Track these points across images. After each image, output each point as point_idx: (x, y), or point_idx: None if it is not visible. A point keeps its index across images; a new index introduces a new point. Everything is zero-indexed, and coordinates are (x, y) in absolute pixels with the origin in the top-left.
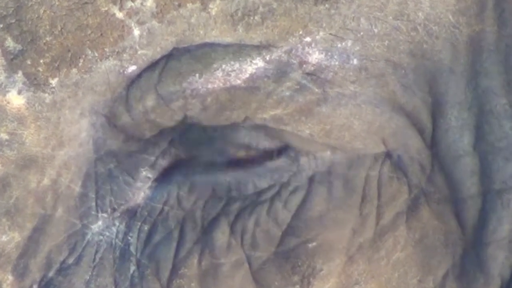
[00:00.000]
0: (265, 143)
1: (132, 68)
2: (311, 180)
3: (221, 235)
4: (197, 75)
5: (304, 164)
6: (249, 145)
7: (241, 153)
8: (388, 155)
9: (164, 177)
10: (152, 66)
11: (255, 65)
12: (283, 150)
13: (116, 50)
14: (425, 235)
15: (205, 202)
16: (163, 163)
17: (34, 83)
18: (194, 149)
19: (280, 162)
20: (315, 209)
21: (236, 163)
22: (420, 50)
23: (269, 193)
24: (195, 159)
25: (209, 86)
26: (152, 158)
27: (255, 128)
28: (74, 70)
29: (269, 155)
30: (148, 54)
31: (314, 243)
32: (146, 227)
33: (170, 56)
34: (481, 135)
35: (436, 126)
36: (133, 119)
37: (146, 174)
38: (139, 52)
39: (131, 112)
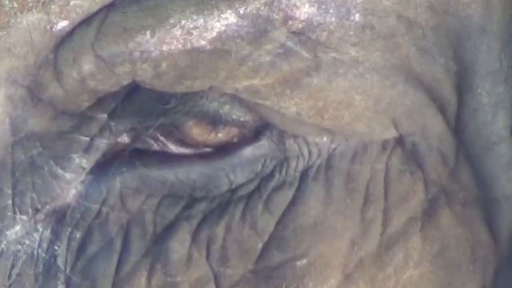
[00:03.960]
0: (238, 114)
1: (62, 24)
2: (303, 174)
3: (179, 245)
4: (148, 32)
5: (291, 149)
6: (215, 116)
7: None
8: (399, 141)
9: (102, 168)
10: (88, 19)
11: (224, 20)
12: (262, 128)
13: (42, 0)
14: (446, 247)
15: (158, 202)
16: (101, 144)
17: None
18: (142, 121)
19: (260, 145)
20: (308, 215)
21: (200, 151)
22: (442, 3)
23: (245, 189)
24: (144, 141)
25: (164, 47)
26: (87, 139)
27: (224, 96)
28: None
29: (244, 135)
30: (84, 5)
31: (305, 260)
32: (78, 234)
33: (112, 7)
34: None
35: (463, 103)
36: (66, 90)
37: (80, 161)
38: (71, 3)
39: (62, 81)
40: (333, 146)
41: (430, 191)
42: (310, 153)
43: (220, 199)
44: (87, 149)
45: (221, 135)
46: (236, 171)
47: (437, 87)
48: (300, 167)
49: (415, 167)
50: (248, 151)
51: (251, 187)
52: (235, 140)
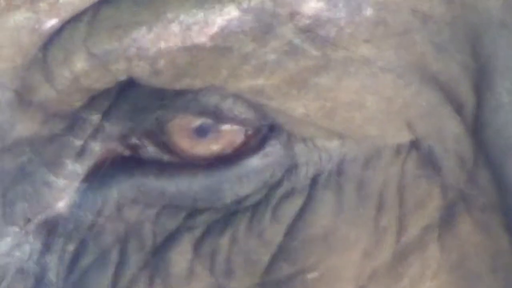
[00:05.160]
0: (240, 110)
1: (51, 22)
2: (313, 181)
3: (180, 257)
4: (143, 28)
5: (300, 154)
6: (217, 112)
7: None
8: (414, 145)
9: (98, 176)
10: (78, 15)
11: (226, 15)
12: (268, 132)
13: None
14: (466, 256)
15: (158, 212)
16: (95, 148)
17: None
18: (138, 117)
19: (267, 152)
20: (319, 224)
21: (202, 160)
22: None
23: (252, 199)
24: (141, 148)
25: (162, 44)
26: (80, 142)
27: (227, 93)
28: None
29: (249, 142)
30: (74, 2)
31: (315, 273)
32: (71, 246)
33: (104, 2)
34: None
35: (481, 103)
36: (57, 90)
37: (73, 167)
38: (61, 1)
39: (53, 81)
40: (344, 150)
41: (448, 197)
42: (320, 158)
43: (225, 210)
44: (80, 153)
45: (215, 147)
46: (243, 182)
47: (454, 86)
48: (310, 173)
49: (431, 172)
50: (255, 160)
51: (259, 196)
52: (238, 148)
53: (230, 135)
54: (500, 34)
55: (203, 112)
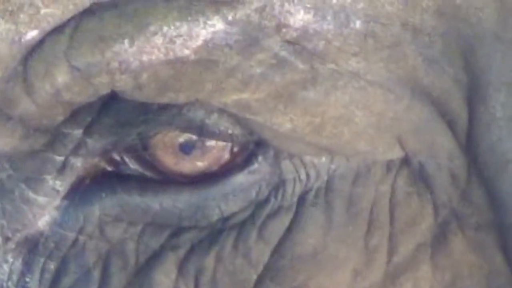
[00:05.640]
0: (226, 125)
1: (32, 34)
2: (301, 199)
3: (164, 277)
4: (126, 41)
5: (287, 171)
6: (202, 127)
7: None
8: (405, 161)
9: (79, 192)
10: (60, 27)
11: (211, 28)
12: (255, 149)
13: (9, 8)
14: (459, 276)
15: (141, 230)
16: (77, 164)
17: None
18: (120, 132)
19: (253, 170)
20: (307, 243)
21: (187, 177)
22: (451, 7)
23: (238, 217)
24: (123, 164)
25: (144, 57)
26: (61, 158)
27: (212, 108)
28: None
29: (235, 158)
30: (56, 13)
31: None
32: (52, 265)
33: (86, 13)
34: None
35: (474, 118)
36: (38, 104)
37: (53, 184)
38: (42, 12)
39: (34, 95)
40: (332, 167)
41: (440, 215)
42: (308, 175)
43: (210, 228)
44: (61, 170)
45: (201, 164)
46: (228, 200)
47: (446, 101)
48: (298, 191)
49: (423, 189)
50: (241, 178)
51: (245, 215)
52: (224, 165)
53: (215, 151)
54: (494, 47)
55: (187, 127)
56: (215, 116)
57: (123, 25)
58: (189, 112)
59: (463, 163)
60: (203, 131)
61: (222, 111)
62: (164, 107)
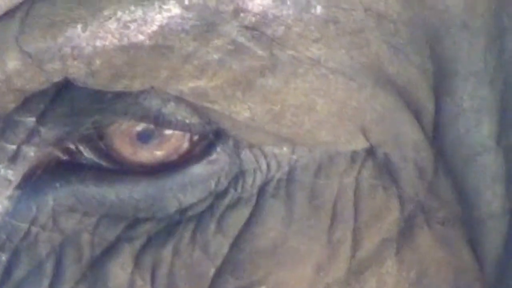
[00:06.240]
0: (184, 115)
1: None
2: (261, 190)
3: (120, 270)
4: (79, 26)
5: (247, 162)
6: (158, 116)
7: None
8: (370, 152)
9: (32, 182)
10: (10, 11)
11: (166, 12)
12: (213, 138)
13: None
14: (425, 272)
15: (96, 221)
16: (29, 153)
17: None
18: (74, 121)
19: (212, 160)
20: (267, 236)
21: (144, 167)
22: None
23: (196, 209)
24: (78, 154)
25: (98, 43)
26: (13, 147)
27: (169, 97)
28: None
29: (193, 148)
30: None
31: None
32: (3, 257)
33: None
34: (509, 122)
35: (441, 108)
36: None
37: (5, 173)
38: None
39: None
40: (294, 157)
41: (406, 209)
42: (268, 165)
43: (168, 220)
44: (13, 159)
45: (159, 153)
46: (186, 190)
47: (411, 90)
48: (258, 182)
49: (388, 182)
50: (200, 168)
51: (203, 206)
52: (183, 155)
53: (174, 140)
54: (462, 36)
55: (144, 116)
56: (172, 105)
57: (76, 9)
58: (145, 101)
59: (429, 155)
60: (159, 121)
61: (179, 99)
62: (119, 96)
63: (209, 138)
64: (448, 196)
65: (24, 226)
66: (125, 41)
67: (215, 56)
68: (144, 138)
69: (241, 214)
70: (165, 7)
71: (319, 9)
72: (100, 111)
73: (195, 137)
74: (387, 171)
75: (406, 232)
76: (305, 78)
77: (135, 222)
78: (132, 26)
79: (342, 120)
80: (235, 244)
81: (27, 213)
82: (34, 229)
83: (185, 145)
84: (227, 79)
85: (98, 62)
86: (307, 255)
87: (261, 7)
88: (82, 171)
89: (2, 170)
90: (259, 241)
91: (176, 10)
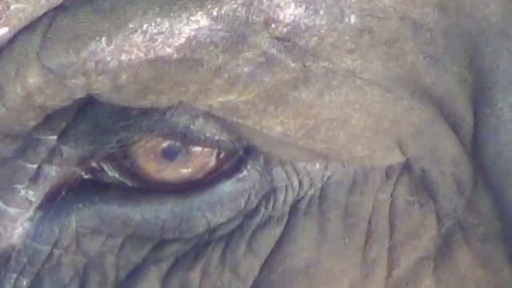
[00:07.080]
0: (213, 131)
1: (1, 32)
2: (293, 209)
3: None
4: (103, 39)
5: (279, 179)
6: (186, 133)
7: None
8: (406, 167)
9: (54, 202)
10: (31, 25)
11: (194, 24)
12: (244, 155)
13: None
14: None
15: (121, 243)
16: (51, 173)
17: None
18: (97, 140)
19: (242, 177)
20: (299, 256)
21: (171, 186)
22: (454, 1)
23: (225, 228)
24: (102, 173)
25: (123, 57)
26: (34, 166)
27: (197, 112)
28: None
29: (222, 165)
30: (28, 9)
31: None
32: (25, 281)
33: (60, 10)
34: None
35: (480, 120)
36: (8, 108)
37: (25, 194)
38: (12, 7)
39: (3, 98)
40: (327, 173)
41: (444, 226)
42: (300, 183)
43: (196, 240)
44: (34, 179)
45: (185, 171)
46: (215, 209)
47: (449, 101)
48: (289, 199)
49: (425, 198)
50: (229, 186)
51: (233, 225)
52: (210, 172)
53: (201, 157)
54: (501, 44)
55: (171, 133)
56: (200, 121)
57: (100, 22)
58: (172, 117)
59: (468, 169)
60: (187, 138)
61: (208, 115)
62: (145, 112)
63: (239, 154)
64: (487, 212)
65: (46, 249)
66: (151, 54)
67: (246, 69)
68: (170, 155)
69: (272, 234)
70: (193, 18)
71: (353, 19)
72: (125, 129)
73: (222, 154)
74: (423, 186)
75: (444, 250)
76: (340, 90)
77: (161, 243)
78: (159, 38)
79: (378, 134)
80: (266, 265)
81: (49, 235)
82: (56, 252)
83: (212, 162)
84: (259, 92)
85: (123, 77)
86: (341, 276)
87: (292, 17)
88: (106, 190)
89: (23, 191)
90: (291, 261)
91: (204, 22)
